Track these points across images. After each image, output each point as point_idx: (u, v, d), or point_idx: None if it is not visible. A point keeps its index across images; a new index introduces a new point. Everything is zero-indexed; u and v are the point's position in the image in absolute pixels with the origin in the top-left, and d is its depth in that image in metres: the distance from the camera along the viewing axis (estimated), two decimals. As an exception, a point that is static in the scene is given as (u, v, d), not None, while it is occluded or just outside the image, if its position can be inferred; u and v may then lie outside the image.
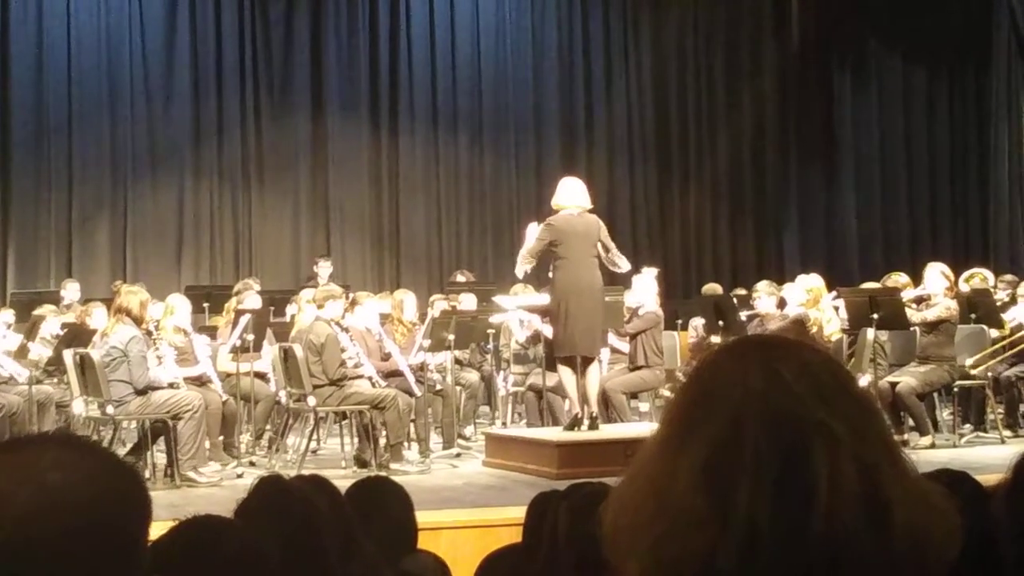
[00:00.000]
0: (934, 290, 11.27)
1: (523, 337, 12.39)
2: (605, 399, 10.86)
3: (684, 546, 1.26)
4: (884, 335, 11.39)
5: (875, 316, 10.75)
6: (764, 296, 11.97)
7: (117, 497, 1.39)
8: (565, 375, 10.03)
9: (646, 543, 1.29)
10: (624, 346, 11.70)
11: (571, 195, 10.15)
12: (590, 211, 10.18)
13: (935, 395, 11.40)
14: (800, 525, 1.24)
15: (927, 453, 9.96)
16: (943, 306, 11.01)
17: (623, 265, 10.22)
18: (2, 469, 1.38)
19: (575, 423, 9.87)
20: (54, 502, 1.35)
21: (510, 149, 19.37)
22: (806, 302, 11.49)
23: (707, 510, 1.26)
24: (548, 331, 11.50)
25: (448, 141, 19.15)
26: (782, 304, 11.95)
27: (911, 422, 10.82)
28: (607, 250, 10.03)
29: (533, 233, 10.13)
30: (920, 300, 11.42)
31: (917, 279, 11.80)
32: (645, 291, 11.78)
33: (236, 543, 2.31)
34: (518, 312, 12.14)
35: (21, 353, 10.91)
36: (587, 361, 10.02)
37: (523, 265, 10.17)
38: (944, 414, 11.95)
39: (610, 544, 1.35)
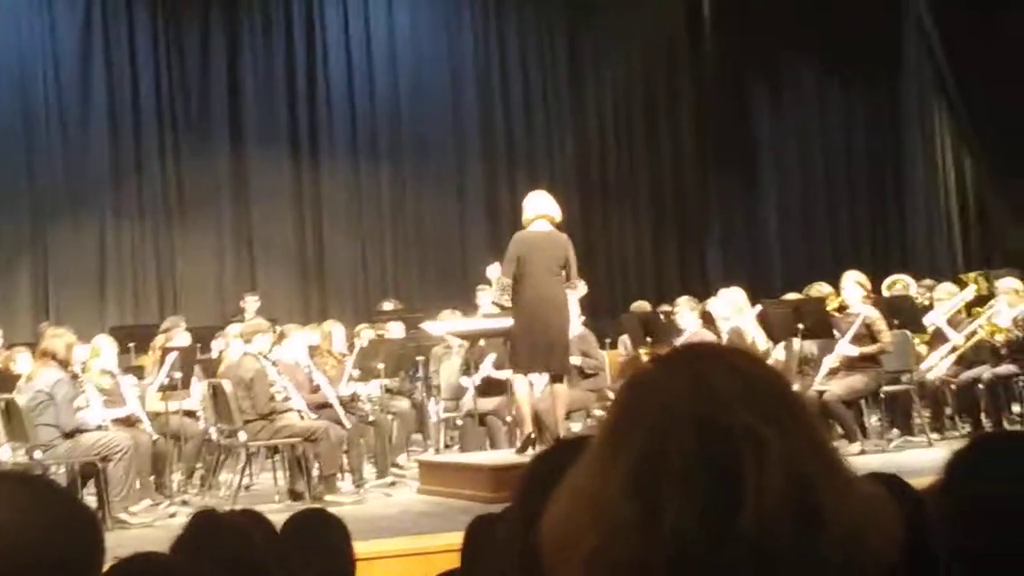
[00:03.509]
0: (851, 299, 11.40)
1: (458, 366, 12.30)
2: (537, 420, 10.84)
3: (617, 556, 1.27)
4: (815, 348, 11.48)
5: (800, 326, 10.85)
6: (686, 311, 12.04)
7: (70, 537, 1.38)
8: (519, 390, 9.77)
9: (581, 554, 1.29)
10: (575, 359, 11.55)
11: (533, 209, 9.94)
12: (558, 226, 9.97)
13: (862, 401, 11.52)
14: (728, 532, 1.24)
15: (857, 460, 10.03)
16: (878, 329, 11.08)
17: (578, 288, 10.13)
18: None
19: (529, 443, 9.51)
20: (5, 541, 1.33)
21: (432, 176, 19.37)
22: (731, 315, 11.56)
23: (637, 519, 1.27)
24: (495, 372, 11.50)
25: (370, 170, 19.12)
26: (706, 319, 12.03)
27: (839, 430, 10.92)
28: (567, 270, 9.78)
29: (494, 273, 9.96)
30: (841, 309, 11.56)
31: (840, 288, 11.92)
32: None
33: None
34: (451, 338, 12.12)
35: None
36: (555, 379, 9.84)
37: (502, 293, 9.78)
38: (872, 420, 12.06)
39: (548, 557, 1.35)
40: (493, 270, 10.03)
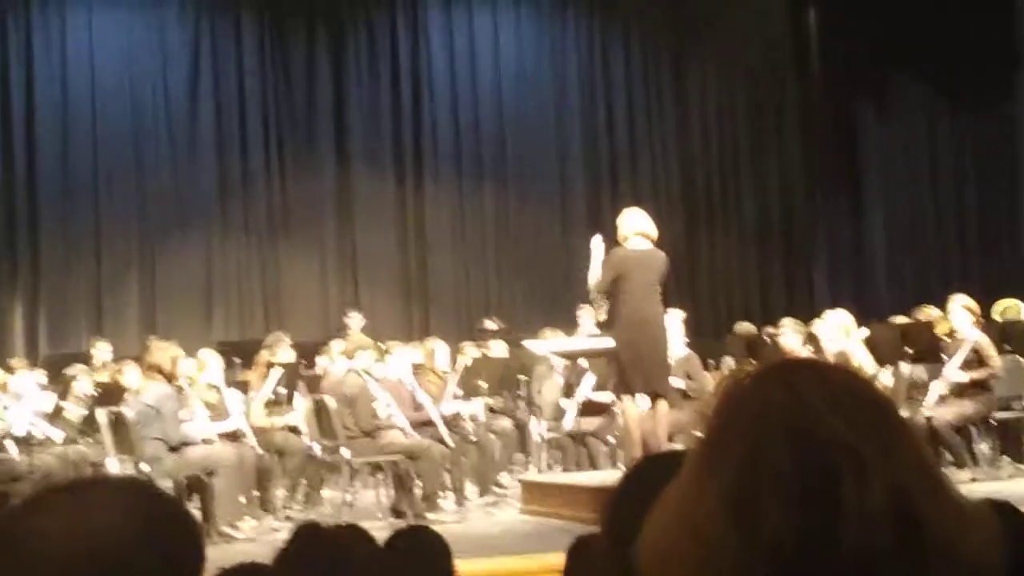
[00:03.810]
0: (959, 325, 11.20)
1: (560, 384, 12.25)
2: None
3: (716, 572, 1.24)
4: (924, 373, 11.29)
5: (908, 350, 10.69)
6: (790, 333, 11.92)
7: (169, 543, 1.37)
8: (630, 413, 9.65)
9: (680, 571, 1.28)
10: (677, 382, 11.47)
11: (631, 226, 9.82)
12: (655, 243, 9.89)
13: (972, 428, 11.30)
14: (828, 549, 1.21)
15: (968, 488, 9.84)
16: (987, 354, 10.87)
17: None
18: (51, 512, 1.36)
19: None
20: (102, 549, 1.32)
21: (535, 197, 19.40)
22: (837, 338, 11.41)
23: (735, 538, 1.24)
24: (593, 395, 11.43)
25: (473, 189, 19.19)
26: (812, 341, 11.89)
27: (949, 456, 10.72)
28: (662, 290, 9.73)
29: (598, 247, 9.84)
30: (950, 333, 11.36)
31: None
32: (671, 333, 11.68)
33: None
34: (553, 358, 12.08)
35: (55, 414, 10.93)
36: (656, 398, 9.71)
37: (599, 306, 9.77)
38: (982, 447, 11.84)
39: (647, 574, 1.33)
40: (597, 242, 9.83)
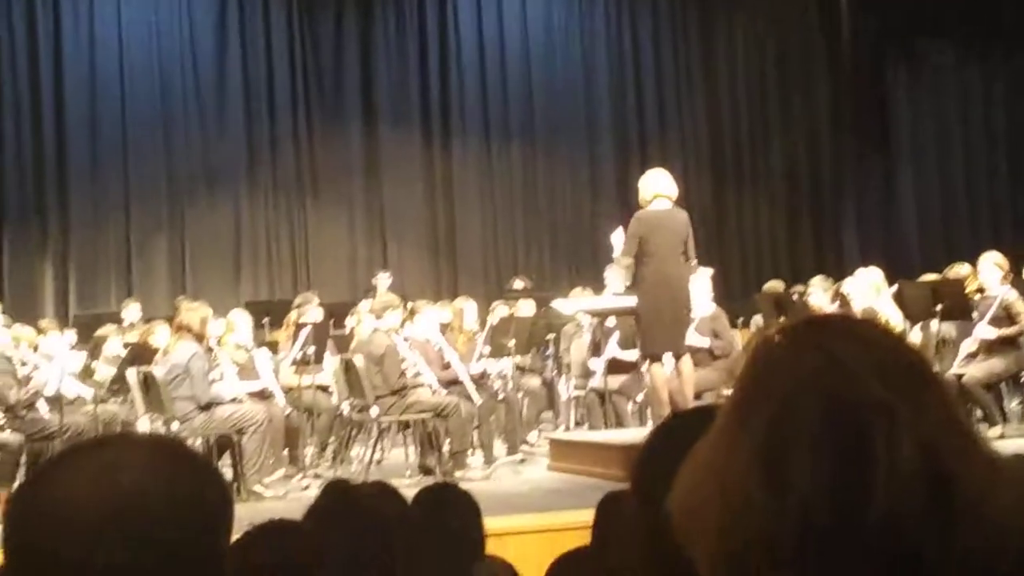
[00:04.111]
0: (989, 281, 11.13)
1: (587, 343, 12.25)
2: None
3: (746, 531, 1.25)
4: (953, 330, 11.24)
5: (938, 308, 10.63)
6: (819, 292, 11.89)
7: (196, 501, 1.37)
8: (656, 374, 9.70)
9: (711, 531, 1.28)
10: (703, 341, 11.48)
11: (653, 187, 9.80)
12: (676, 203, 9.86)
13: (1002, 385, 11.25)
14: (859, 507, 1.21)
15: (997, 444, 9.80)
16: (1016, 311, 10.80)
17: (694, 268, 10.02)
18: (80, 469, 1.36)
19: None
20: (130, 507, 1.33)
21: (563, 156, 19.36)
22: (868, 296, 11.36)
23: (765, 496, 1.24)
24: (620, 353, 11.43)
25: (501, 149, 19.16)
26: (841, 300, 11.84)
27: (979, 413, 10.68)
28: (686, 249, 9.73)
29: (619, 240, 9.90)
30: (980, 291, 11.29)
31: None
32: (699, 292, 11.66)
33: (313, 547, 2.30)
34: (581, 316, 12.09)
35: (86, 374, 11.00)
36: (677, 358, 9.73)
37: (623, 272, 9.76)
38: (1012, 404, 11.80)
39: (679, 532, 1.33)
40: (618, 236, 9.86)
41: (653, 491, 1.43)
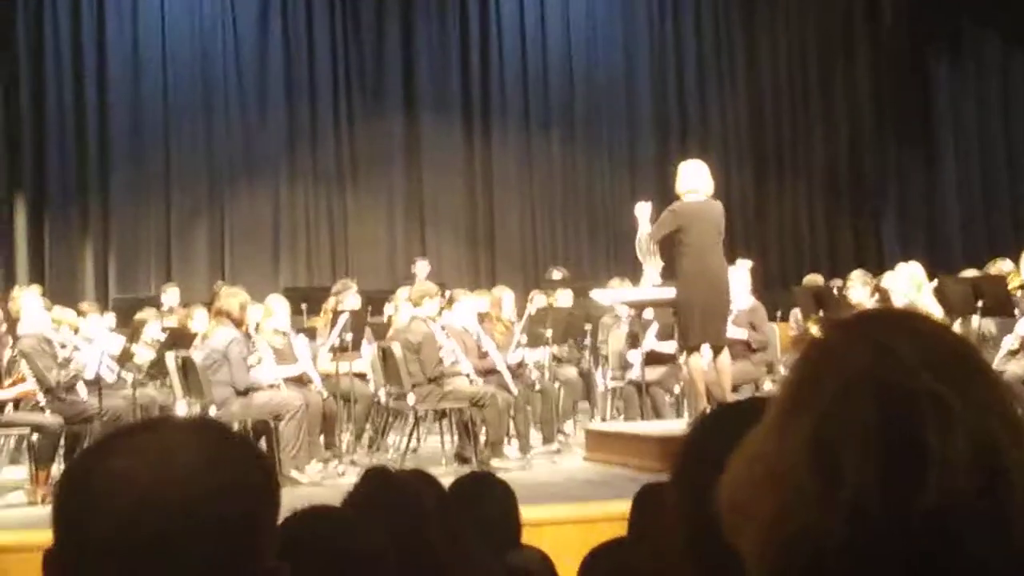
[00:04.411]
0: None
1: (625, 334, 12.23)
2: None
3: (795, 524, 1.24)
4: (994, 327, 11.16)
5: (980, 304, 10.56)
6: (858, 286, 11.83)
7: (245, 483, 1.37)
8: (694, 366, 9.70)
9: (760, 522, 1.27)
10: (741, 333, 11.45)
11: (695, 179, 9.75)
12: (713, 197, 9.84)
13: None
14: (910, 499, 1.20)
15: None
16: None
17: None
18: (124, 450, 1.36)
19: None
20: (177, 486, 1.33)
21: (603, 145, 19.35)
22: (909, 291, 11.30)
23: (816, 487, 1.23)
24: (657, 345, 11.42)
25: (541, 139, 19.15)
26: (880, 294, 11.78)
27: (1020, 411, 10.59)
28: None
29: (644, 212, 9.83)
30: (1022, 287, 11.21)
31: (1022, 265, 11.57)
32: (737, 284, 11.62)
33: (353, 533, 2.30)
34: (619, 307, 12.08)
35: (124, 357, 11.05)
36: (716, 350, 9.74)
37: (650, 258, 9.73)
38: (1053, 402, 11.71)
39: (727, 523, 1.32)
40: (642, 209, 9.84)
41: (695, 482, 1.42)
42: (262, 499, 1.40)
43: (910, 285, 11.31)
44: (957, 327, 11.05)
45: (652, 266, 9.77)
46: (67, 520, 1.35)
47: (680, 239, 9.52)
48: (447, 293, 12.10)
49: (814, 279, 14.44)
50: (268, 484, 1.42)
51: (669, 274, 9.81)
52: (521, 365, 11.39)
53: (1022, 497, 1.22)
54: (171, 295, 15.02)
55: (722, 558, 1.37)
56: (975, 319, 10.78)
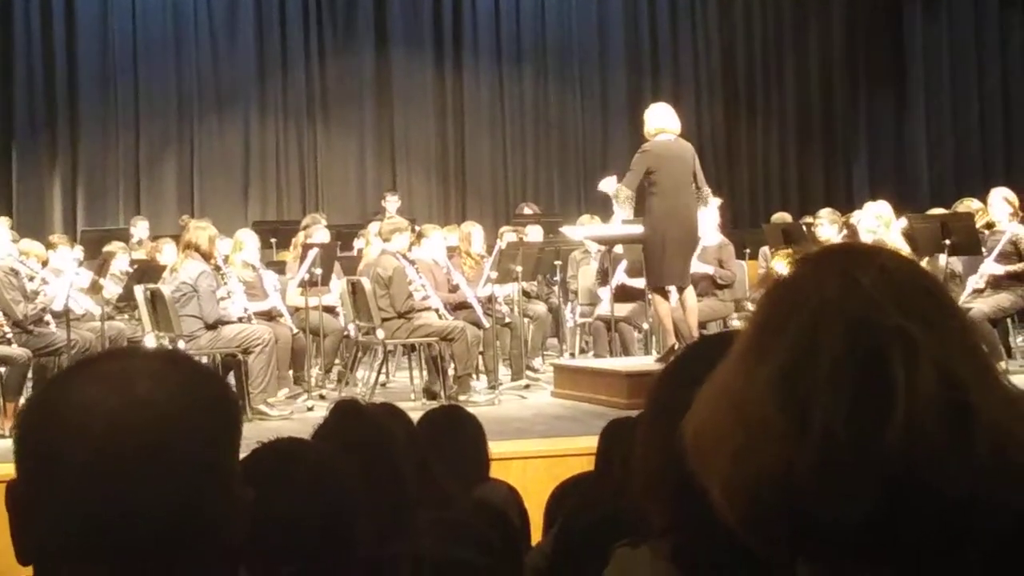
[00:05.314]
0: (998, 216, 11.10)
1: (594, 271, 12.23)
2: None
3: (763, 458, 1.25)
4: (959, 265, 11.22)
5: (947, 242, 10.61)
6: (826, 223, 11.88)
7: (207, 406, 1.39)
8: (661, 305, 9.76)
9: (726, 456, 1.28)
10: (708, 268, 11.45)
11: (662, 119, 9.75)
12: (683, 136, 9.84)
13: (1008, 320, 11.26)
14: (877, 432, 1.21)
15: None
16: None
17: (707, 197, 9.99)
18: (92, 378, 1.37)
19: (671, 353, 9.34)
20: (143, 411, 1.34)
21: (575, 82, 19.29)
22: (876, 229, 11.33)
23: (784, 421, 1.24)
24: (628, 280, 11.44)
25: (512, 74, 19.08)
26: (849, 232, 11.82)
27: (984, 348, 10.66)
28: (695, 178, 9.71)
29: (609, 186, 9.79)
30: (989, 226, 11.26)
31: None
32: (706, 221, 11.61)
33: (319, 459, 2.32)
34: (589, 243, 12.08)
35: (93, 290, 11.00)
36: (681, 289, 9.78)
37: (624, 205, 9.63)
38: (1018, 340, 11.80)
39: (692, 458, 1.33)
40: (607, 184, 9.82)
41: (672, 414, 1.43)
42: (226, 421, 1.41)
43: (878, 223, 11.34)
44: (924, 265, 11.10)
45: (626, 208, 9.74)
46: (38, 450, 1.35)
47: (651, 179, 9.52)
48: (417, 228, 12.07)
49: (782, 217, 14.47)
50: (229, 406, 1.43)
51: (640, 211, 9.81)
52: (491, 300, 11.41)
53: (987, 431, 1.24)
54: (140, 228, 14.97)
55: (692, 494, 1.38)
56: (942, 257, 10.83)
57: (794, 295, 1.31)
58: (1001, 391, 1.29)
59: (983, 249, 10.93)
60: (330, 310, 11.35)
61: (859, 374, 1.24)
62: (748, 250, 13.82)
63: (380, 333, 10.24)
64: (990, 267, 10.78)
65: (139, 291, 10.14)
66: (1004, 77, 20.17)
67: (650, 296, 10.13)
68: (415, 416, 3.98)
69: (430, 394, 10.34)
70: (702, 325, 11.51)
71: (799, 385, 1.25)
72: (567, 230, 12.21)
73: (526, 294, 12.23)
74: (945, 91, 20.20)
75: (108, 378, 1.36)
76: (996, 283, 10.84)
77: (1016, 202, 11.27)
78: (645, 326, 11.57)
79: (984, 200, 11.67)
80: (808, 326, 1.27)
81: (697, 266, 10.71)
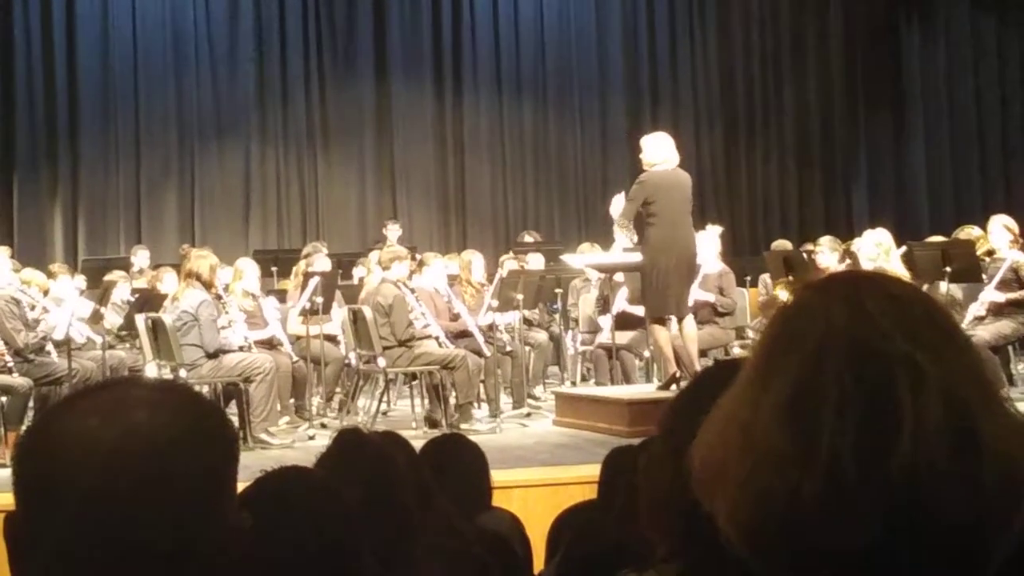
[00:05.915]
0: (998, 244, 11.11)
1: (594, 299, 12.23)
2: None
3: (769, 484, 1.25)
4: (959, 292, 11.22)
5: (948, 269, 10.61)
6: (827, 251, 11.88)
7: (205, 436, 1.39)
8: (660, 335, 9.75)
9: (732, 482, 1.28)
10: (708, 296, 11.46)
11: (661, 150, 9.75)
12: (681, 166, 9.86)
13: (1010, 348, 11.25)
14: (884, 460, 1.22)
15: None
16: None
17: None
18: (89, 409, 1.37)
19: (672, 381, 9.52)
20: (142, 441, 1.34)
21: (575, 110, 19.33)
22: (877, 256, 11.33)
23: (791, 447, 1.24)
24: (628, 307, 11.44)
25: (512, 103, 19.12)
26: (850, 259, 11.82)
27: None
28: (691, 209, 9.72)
29: (618, 207, 9.82)
30: (989, 254, 11.26)
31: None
32: (706, 249, 11.63)
33: (325, 493, 2.31)
34: (590, 271, 12.09)
35: (94, 319, 11.01)
36: (680, 319, 9.75)
37: (624, 233, 9.68)
38: (1019, 367, 11.80)
39: (698, 484, 1.33)
40: (617, 202, 9.84)
41: (681, 442, 1.43)
42: (224, 452, 1.41)
43: (878, 251, 11.34)
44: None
45: (626, 236, 9.76)
46: (36, 480, 1.35)
47: (649, 209, 9.53)
48: (418, 256, 12.09)
49: (783, 244, 14.48)
50: (226, 436, 1.43)
51: (639, 241, 9.82)
52: (492, 328, 11.40)
53: (992, 458, 1.24)
54: (141, 257, 14.98)
55: (694, 518, 1.38)
56: (943, 284, 10.83)
57: (800, 322, 1.32)
58: (1006, 418, 1.29)
59: (984, 276, 10.93)
60: (331, 338, 11.35)
61: (865, 401, 1.24)
62: (748, 277, 13.84)
63: (381, 361, 10.24)
64: (991, 294, 10.78)
65: (140, 320, 10.14)
66: (1002, 99, 20.20)
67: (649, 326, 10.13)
68: (417, 445, 3.98)
69: (432, 422, 10.32)
70: (703, 353, 11.49)
71: (805, 412, 1.25)
72: (568, 258, 12.22)
73: (527, 322, 12.24)
74: (943, 116, 20.24)
75: (107, 408, 1.37)
76: (997, 310, 10.84)
77: (1016, 229, 11.28)
78: (646, 354, 11.56)
79: (984, 227, 11.68)
80: (814, 353, 1.27)
81: (698, 294, 10.72)
